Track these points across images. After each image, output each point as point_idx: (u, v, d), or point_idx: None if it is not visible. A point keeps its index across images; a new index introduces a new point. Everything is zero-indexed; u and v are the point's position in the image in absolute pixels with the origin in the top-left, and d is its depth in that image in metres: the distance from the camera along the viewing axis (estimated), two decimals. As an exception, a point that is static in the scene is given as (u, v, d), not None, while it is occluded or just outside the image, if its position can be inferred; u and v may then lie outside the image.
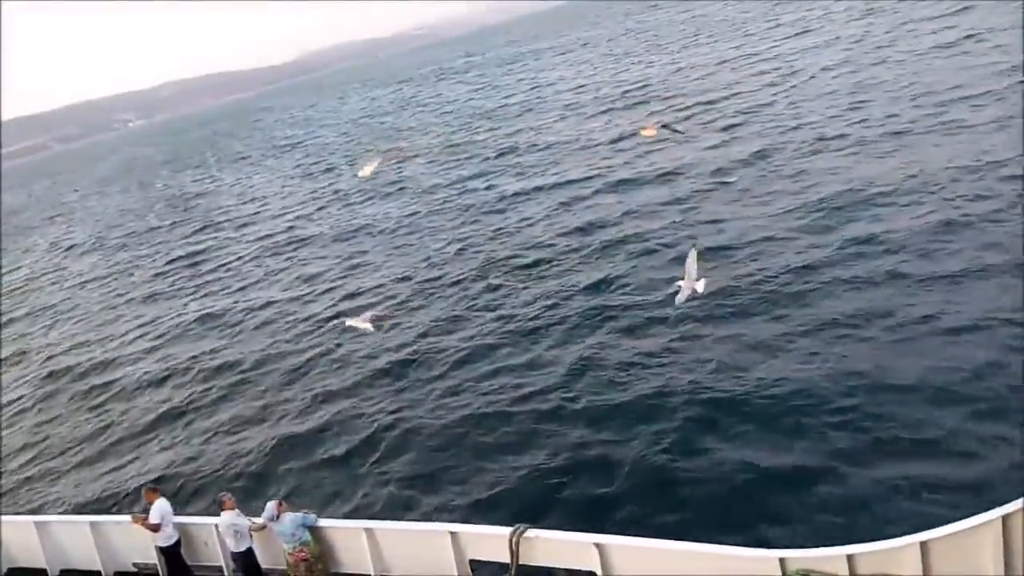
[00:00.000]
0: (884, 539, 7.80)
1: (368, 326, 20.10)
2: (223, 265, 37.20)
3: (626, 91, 53.57)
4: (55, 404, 24.89)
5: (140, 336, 29.10)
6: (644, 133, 37.48)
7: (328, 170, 57.71)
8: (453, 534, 9.82)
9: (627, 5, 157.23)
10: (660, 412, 14.50)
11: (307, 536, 10.41)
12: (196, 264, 39.05)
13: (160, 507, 11.24)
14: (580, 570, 9.14)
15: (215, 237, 44.70)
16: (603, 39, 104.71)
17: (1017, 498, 7.22)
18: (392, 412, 17.59)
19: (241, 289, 31.99)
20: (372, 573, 10.39)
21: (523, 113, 57.91)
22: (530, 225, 29.27)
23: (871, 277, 17.48)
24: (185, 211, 58.46)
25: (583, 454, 13.84)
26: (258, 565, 10.98)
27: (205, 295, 32.77)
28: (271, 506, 10.54)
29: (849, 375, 14.15)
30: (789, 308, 17.39)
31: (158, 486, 13.11)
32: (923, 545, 7.51)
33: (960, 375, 13.31)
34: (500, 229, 29.84)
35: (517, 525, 9.45)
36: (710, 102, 41.48)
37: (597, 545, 8.92)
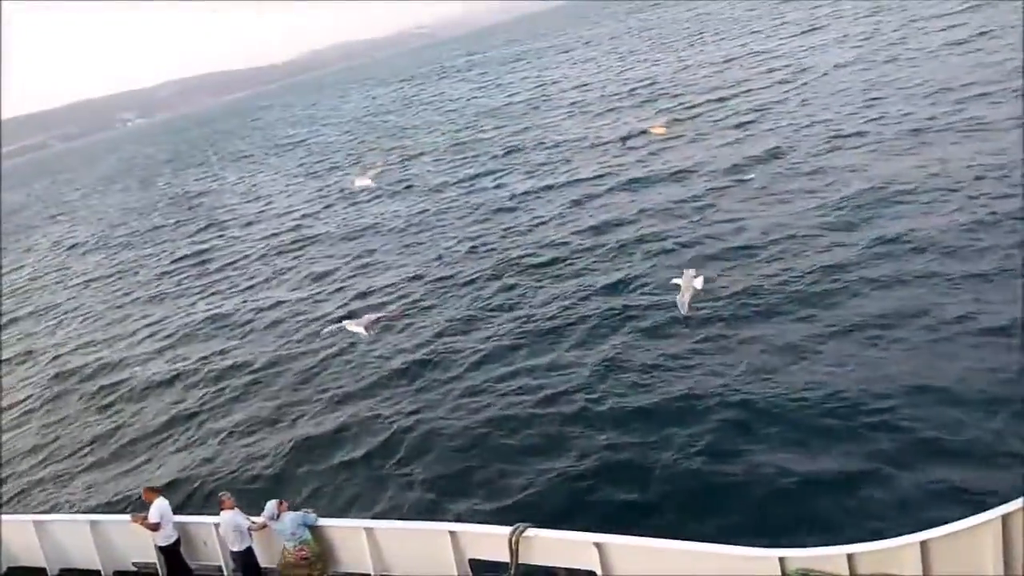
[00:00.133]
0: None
1: (363, 331, 19.94)
2: (230, 264, 36.82)
3: (633, 89, 53.23)
4: (64, 405, 24.53)
5: (149, 336, 28.73)
6: (654, 131, 37.39)
7: (333, 168, 57.34)
8: (453, 533, 9.83)
9: (627, 5, 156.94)
10: (690, 415, 14.16)
11: (307, 535, 10.43)
12: (203, 263, 38.67)
13: (159, 506, 11.26)
14: (580, 569, 9.14)
15: (221, 236, 44.31)
16: (606, 37, 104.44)
17: (1017, 497, 7.20)
18: (411, 413, 17.24)
19: (249, 288, 31.63)
20: (372, 572, 10.39)
21: (529, 111, 57.54)
22: (543, 223, 28.92)
23: (899, 276, 17.15)
24: (189, 209, 58.07)
25: (613, 457, 13.49)
26: (257, 564, 10.99)
27: (213, 294, 32.41)
28: (271, 505, 10.57)
29: (882, 378, 13.81)
30: (815, 308, 17.04)
31: (161, 488, 13.00)
32: (923, 544, 7.48)
33: (999, 376, 12.99)
34: (512, 228, 29.49)
35: (517, 524, 9.44)
36: (720, 99, 41.18)
37: (597, 544, 8.92)
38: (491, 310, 22.23)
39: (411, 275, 27.09)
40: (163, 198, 70.06)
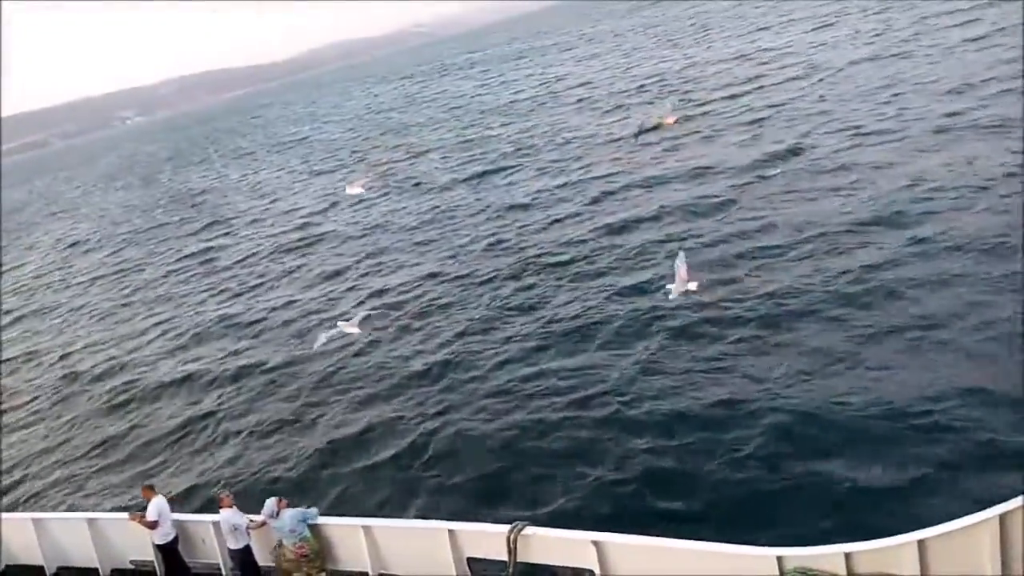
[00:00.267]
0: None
1: (357, 330, 19.58)
2: (238, 262, 36.34)
3: (642, 86, 52.79)
4: (74, 406, 24.06)
5: (159, 335, 28.25)
6: (666, 123, 36.87)
7: (337, 166, 56.84)
8: (451, 532, 9.83)
9: (627, 4, 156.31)
10: (731, 420, 13.70)
11: (307, 532, 10.35)
12: (210, 261, 38.20)
13: (158, 504, 11.23)
14: (578, 568, 9.12)
15: (227, 233, 43.84)
16: (609, 35, 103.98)
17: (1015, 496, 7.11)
18: (437, 415, 16.81)
19: (260, 286, 31.17)
20: (370, 571, 10.37)
21: (536, 108, 57.11)
22: (559, 221, 28.47)
23: (938, 277, 16.72)
24: (192, 207, 57.56)
25: (656, 463, 13.04)
26: (256, 563, 10.94)
27: (222, 292, 31.94)
28: (271, 503, 10.45)
29: (931, 381, 13.38)
30: (852, 308, 16.61)
31: (155, 488, 12.54)
32: (920, 544, 7.48)
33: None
34: (527, 225, 29.02)
35: (515, 523, 9.41)
36: (733, 96, 40.76)
37: (595, 543, 8.91)
38: (511, 309, 21.77)
39: (426, 273, 26.64)
40: (165, 196, 69.53)
